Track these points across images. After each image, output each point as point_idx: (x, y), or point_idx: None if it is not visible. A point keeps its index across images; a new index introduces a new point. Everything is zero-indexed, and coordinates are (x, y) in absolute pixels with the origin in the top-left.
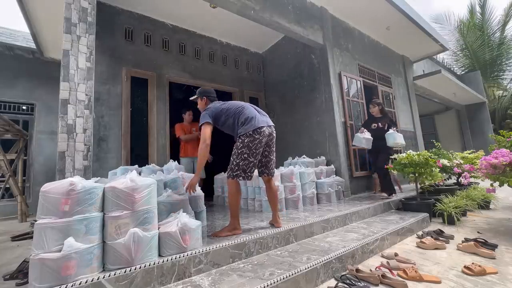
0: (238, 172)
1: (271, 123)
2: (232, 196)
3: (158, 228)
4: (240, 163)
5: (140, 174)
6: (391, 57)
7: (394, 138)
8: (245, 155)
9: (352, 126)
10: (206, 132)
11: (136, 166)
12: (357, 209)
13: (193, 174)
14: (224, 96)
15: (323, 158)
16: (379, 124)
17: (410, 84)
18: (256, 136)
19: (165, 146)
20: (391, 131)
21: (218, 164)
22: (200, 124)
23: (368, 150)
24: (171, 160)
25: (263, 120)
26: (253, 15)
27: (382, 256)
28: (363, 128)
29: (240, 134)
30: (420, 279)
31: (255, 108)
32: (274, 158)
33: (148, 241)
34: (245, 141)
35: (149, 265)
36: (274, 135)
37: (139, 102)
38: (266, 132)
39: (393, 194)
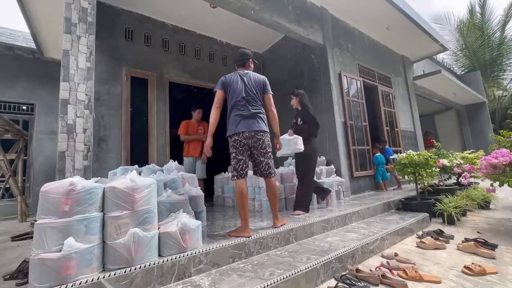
0: (233, 172)
1: (256, 127)
2: (236, 198)
3: (158, 228)
4: (232, 163)
5: (140, 174)
6: (391, 57)
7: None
8: (234, 154)
9: (352, 126)
10: (217, 96)
11: (136, 166)
12: (357, 209)
13: (193, 174)
14: None
15: (323, 158)
16: (294, 119)
17: (410, 84)
18: (236, 138)
19: (165, 146)
20: (285, 135)
21: (217, 165)
22: (214, 90)
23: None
24: (171, 160)
25: (245, 125)
26: (253, 15)
27: (382, 256)
28: (290, 130)
29: (227, 135)
30: (420, 279)
31: (247, 104)
32: (266, 160)
33: (148, 241)
34: (230, 142)
35: (149, 265)
36: (260, 138)
37: (139, 102)
38: (246, 135)
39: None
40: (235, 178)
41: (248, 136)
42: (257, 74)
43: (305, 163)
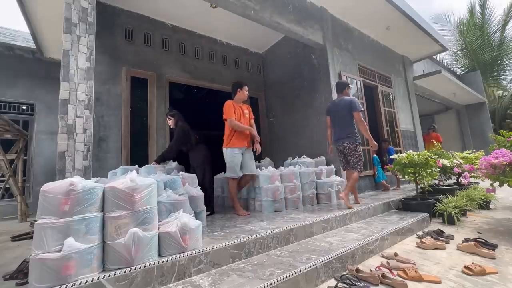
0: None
1: (343, 141)
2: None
3: (158, 228)
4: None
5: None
6: (391, 57)
7: None
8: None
9: None
10: (327, 121)
11: (136, 166)
12: (357, 209)
13: (194, 174)
14: (224, 96)
15: (323, 158)
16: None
17: (410, 84)
18: (335, 147)
19: (165, 146)
20: (151, 166)
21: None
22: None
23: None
24: (171, 160)
25: (337, 139)
26: (253, 15)
27: (382, 256)
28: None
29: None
30: (420, 279)
31: (338, 125)
32: (353, 159)
33: (148, 241)
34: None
35: (149, 265)
36: (346, 145)
37: (139, 102)
38: (339, 143)
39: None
40: (343, 169)
41: (339, 144)
42: (347, 97)
43: (198, 175)
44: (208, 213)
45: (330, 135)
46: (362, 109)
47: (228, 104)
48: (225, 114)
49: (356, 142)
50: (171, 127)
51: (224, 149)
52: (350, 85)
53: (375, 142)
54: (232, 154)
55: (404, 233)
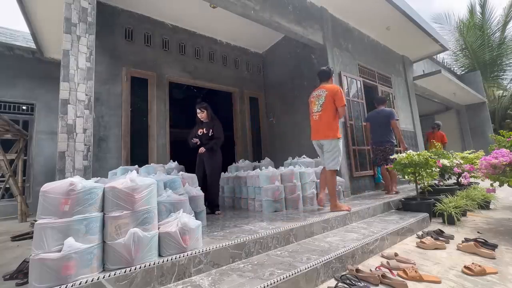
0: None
1: (381, 143)
2: (386, 174)
3: (158, 228)
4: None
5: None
6: (391, 57)
7: None
8: (374, 153)
9: (352, 126)
10: (367, 127)
11: (136, 166)
12: (357, 209)
13: (194, 174)
14: (224, 96)
15: None
16: (204, 130)
17: (410, 84)
18: (373, 146)
19: (165, 146)
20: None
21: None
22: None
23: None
24: (171, 160)
25: (379, 141)
26: (253, 15)
27: (382, 256)
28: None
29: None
30: (420, 279)
31: (376, 131)
32: (387, 156)
33: (148, 241)
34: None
35: (149, 265)
36: (388, 146)
37: (139, 102)
38: (378, 144)
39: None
40: (379, 164)
41: (382, 145)
42: (387, 108)
43: (219, 170)
44: (219, 212)
45: (370, 138)
46: (398, 118)
47: (341, 89)
48: (343, 100)
49: (394, 144)
50: (203, 120)
51: (336, 140)
52: (387, 100)
53: (406, 145)
54: (341, 145)
55: (404, 233)
